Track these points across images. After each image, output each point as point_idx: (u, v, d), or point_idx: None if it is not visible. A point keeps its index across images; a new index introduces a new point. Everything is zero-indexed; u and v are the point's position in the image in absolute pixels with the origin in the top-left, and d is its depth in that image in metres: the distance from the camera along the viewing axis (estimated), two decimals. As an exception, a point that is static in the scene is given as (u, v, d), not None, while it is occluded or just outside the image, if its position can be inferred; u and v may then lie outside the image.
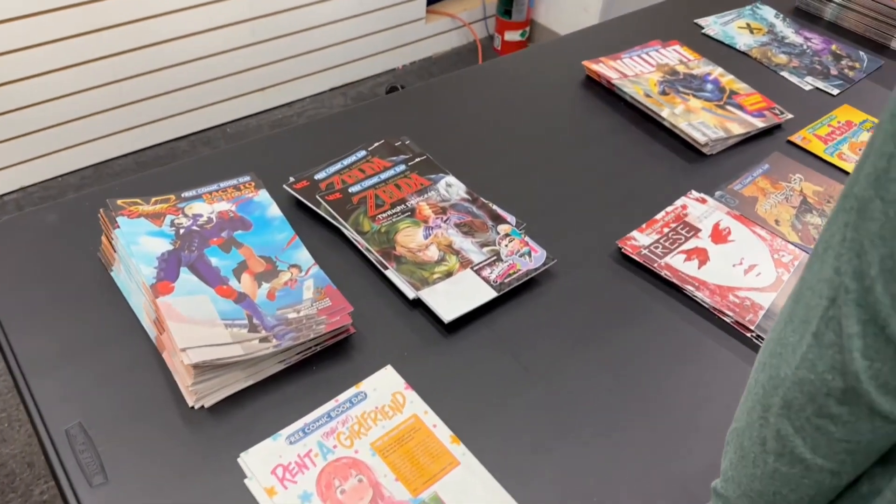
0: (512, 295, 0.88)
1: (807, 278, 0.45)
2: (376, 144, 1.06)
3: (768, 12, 1.49)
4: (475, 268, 0.89)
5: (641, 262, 0.93)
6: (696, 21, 1.44)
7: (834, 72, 1.33)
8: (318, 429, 0.71)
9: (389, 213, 0.95)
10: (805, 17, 1.50)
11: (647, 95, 1.18)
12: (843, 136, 1.18)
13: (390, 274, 0.88)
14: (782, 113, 1.19)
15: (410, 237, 0.92)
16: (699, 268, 0.93)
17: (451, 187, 1.00)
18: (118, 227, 0.83)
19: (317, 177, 0.99)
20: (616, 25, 1.44)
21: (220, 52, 2.34)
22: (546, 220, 0.99)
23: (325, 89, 2.71)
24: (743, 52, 1.36)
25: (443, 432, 0.72)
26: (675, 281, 0.91)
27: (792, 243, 0.98)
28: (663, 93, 1.19)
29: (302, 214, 0.95)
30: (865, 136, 1.18)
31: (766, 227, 1.00)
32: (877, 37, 1.43)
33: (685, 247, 0.96)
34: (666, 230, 0.98)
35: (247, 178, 0.95)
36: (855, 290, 0.40)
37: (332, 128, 1.11)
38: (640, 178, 1.07)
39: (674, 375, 0.82)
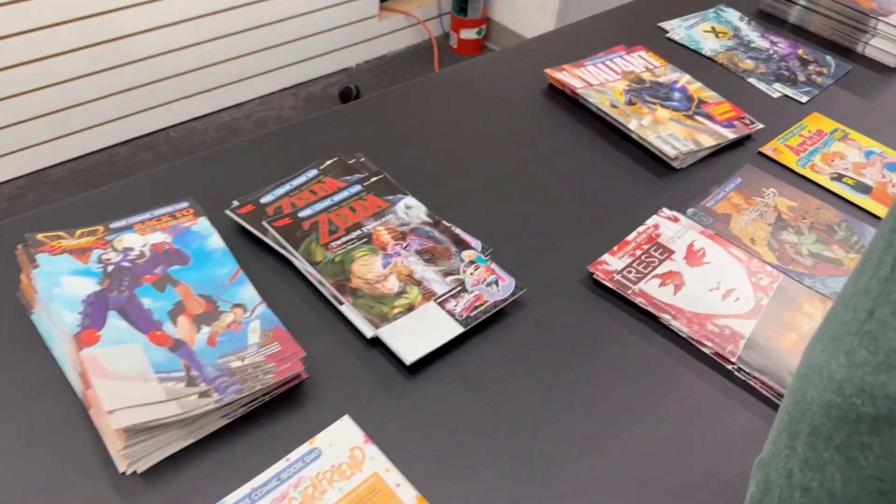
0: (478, 328, 0.82)
1: (842, 294, 0.40)
2: (329, 162, 0.98)
3: (733, 15, 1.45)
4: (439, 300, 0.82)
5: (614, 288, 0.87)
6: (659, 25, 1.39)
7: (802, 78, 1.29)
8: (267, 494, 0.64)
9: (344, 239, 0.87)
10: (770, 20, 1.46)
11: (614, 106, 1.12)
12: (815, 147, 1.14)
13: (346, 310, 0.80)
14: (752, 123, 1.14)
15: (367, 267, 0.84)
16: (675, 293, 0.88)
17: (411, 209, 0.93)
18: (38, 266, 0.74)
19: (263, 200, 0.91)
20: (578, 30, 1.38)
21: (162, 53, 2.22)
22: (512, 244, 0.92)
23: (275, 90, 2.61)
24: (709, 58, 1.31)
25: (407, 493, 0.65)
26: (650, 309, 0.85)
27: (769, 264, 0.93)
28: (630, 102, 1.14)
29: (247, 242, 0.87)
30: (837, 146, 1.14)
31: (741, 247, 0.95)
32: (843, 41, 1.40)
33: (659, 270, 0.90)
34: (638, 252, 0.92)
35: (184, 205, 0.86)
36: None
37: (279, 143, 1.03)
38: (608, 195, 1.02)
39: (652, 414, 0.76)
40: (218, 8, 2.26)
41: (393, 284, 0.83)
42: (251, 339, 0.72)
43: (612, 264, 0.90)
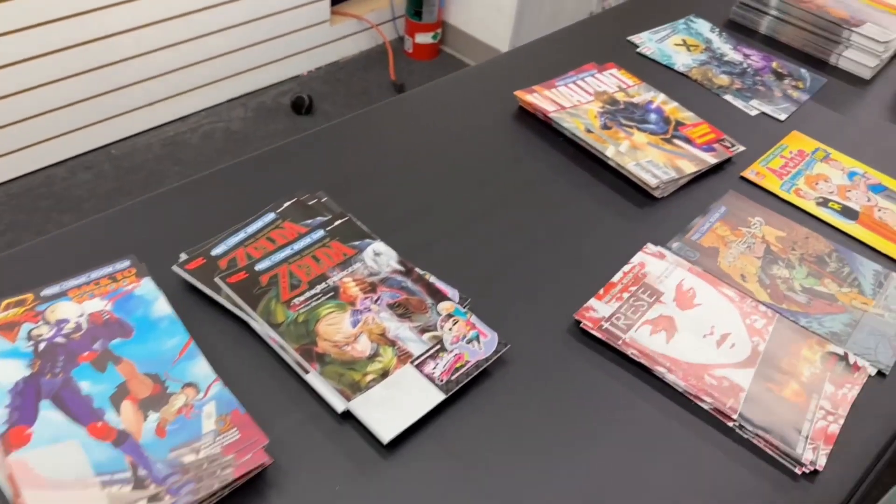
0: (460, 392, 0.74)
1: None
2: (287, 204, 0.89)
3: (703, 26, 1.40)
4: (416, 362, 0.74)
5: (604, 338, 0.81)
6: (629, 38, 1.33)
7: (778, 93, 1.24)
8: None
9: (307, 294, 0.79)
10: (741, 31, 1.41)
11: (589, 131, 1.06)
12: (798, 169, 1.09)
13: (312, 379, 0.72)
14: (733, 146, 1.09)
15: (335, 326, 0.76)
16: (667, 341, 0.82)
17: (380, 256, 0.85)
18: (-47, 349, 0.64)
19: (215, 251, 0.82)
20: (545, 45, 1.31)
21: (100, 66, 2.09)
22: (491, 290, 0.85)
23: (223, 101, 2.49)
24: (682, 74, 1.26)
25: None
26: (643, 361, 0.79)
27: (762, 303, 0.88)
28: (605, 126, 1.08)
29: (198, 302, 0.78)
30: (820, 168, 1.10)
31: (732, 285, 0.90)
32: (815, 52, 1.36)
33: (649, 315, 0.84)
34: (626, 295, 0.86)
35: (125, 264, 0.77)
36: None
37: (230, 181, 0.94)
38: (589, 231, 0.95)
39: (652, 482, 0.70)
40: (159, 17, 2.14)
41: (364, 346, 0.75)
42: (206, 426, 0.64)
43: (599, 310, 0.84)
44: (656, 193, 1.00)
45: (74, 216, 2.00)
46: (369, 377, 0.72)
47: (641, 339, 0.81)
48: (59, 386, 0.64)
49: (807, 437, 0.74)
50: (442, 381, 0.73)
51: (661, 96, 1.17)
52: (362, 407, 0.70)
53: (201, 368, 0.68)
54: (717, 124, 1.14)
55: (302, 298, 0.78)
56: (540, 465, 0.70)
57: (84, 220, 0.86)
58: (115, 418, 0.63)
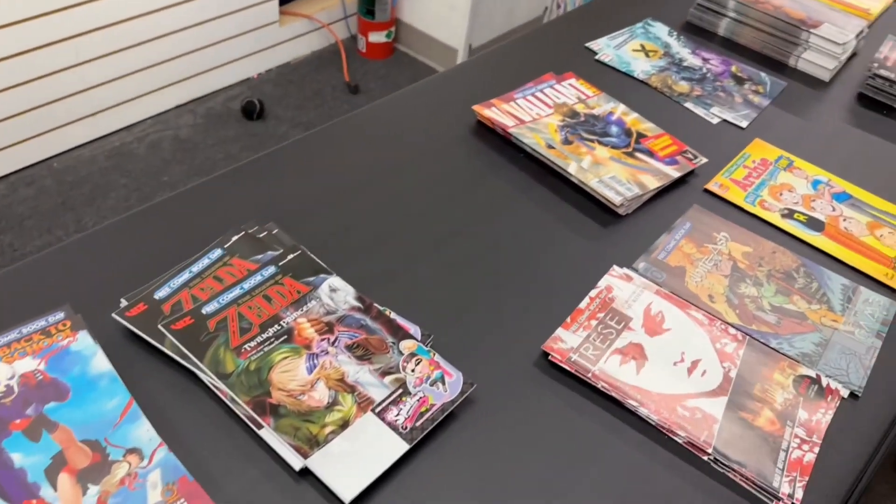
0: (426, 438, 0.71)
1: None
2: (235, 238, 0.84)
3: (661, 30, 1.37)
4: (377, 409, 0.70)
5: (573, 371, 0.78)
6: (587, 45, 1.30)
7: (738, 99, 1.22)
8: None
9: (259, 339, 0.74)
10: (699, 34, 1.39)
11: (550, 146, 1.03)
12: (762, 180, 1.07)
13: (266, 435, 0.67)
14: (696, 157, 1.07)
15: (290, 374, 0.72)
16: (638, 372, 0.79)
17: (337, 292, 0.80)
18: None
19: (158, 294, 0.77)
20: (502, 55, 1.27)
21: (39, 77, 1.99)
22: (453, 323, 0.81)
23: (170, 107, 2.40)
24: (642, 81, 1.23)
25: None
26: (614, 394, 0.76)
27: (732, 325, 0.86)
28: (566, 141, 1.04)
29: (140, 352, 0.73)
30: (783, 177, 1.08)
31: (700, 307, 0.87)
32: (775, 54, 1.35)
33: (618, 344, 0.81)
34: (594, 323, 0.83)
35: (59, 316, 0.71)
36: None
37: (173, 214, 0.89)
38: (553, 253, 0.92)
39: (630, 528, 0.67)
40: (99, 24, 2.04)
41: (322, 394, 0.71)
42: (151, 498, 0.59)
43: (567, 340, 0.80)
44: (620, 211, 0.98)
45: (15, 235, 1.91)
46: (328, 429, 0.68)
47: (611, 371, 0.78)
48: (-14, 461, 0.58)
49: (782, 470, 0.72)
50: (406, 428, 0.69)
51: (622, 107, 1.14)
52: (321, 464, 0.65)
53: (145, 431, 0.63)
54: (679, 134, 1.12)
55: (253, 344, 0.73)
56: (511, 515, 0.66)
57: (13, 265, 0.80)
58: (51, 494, 0.58)
